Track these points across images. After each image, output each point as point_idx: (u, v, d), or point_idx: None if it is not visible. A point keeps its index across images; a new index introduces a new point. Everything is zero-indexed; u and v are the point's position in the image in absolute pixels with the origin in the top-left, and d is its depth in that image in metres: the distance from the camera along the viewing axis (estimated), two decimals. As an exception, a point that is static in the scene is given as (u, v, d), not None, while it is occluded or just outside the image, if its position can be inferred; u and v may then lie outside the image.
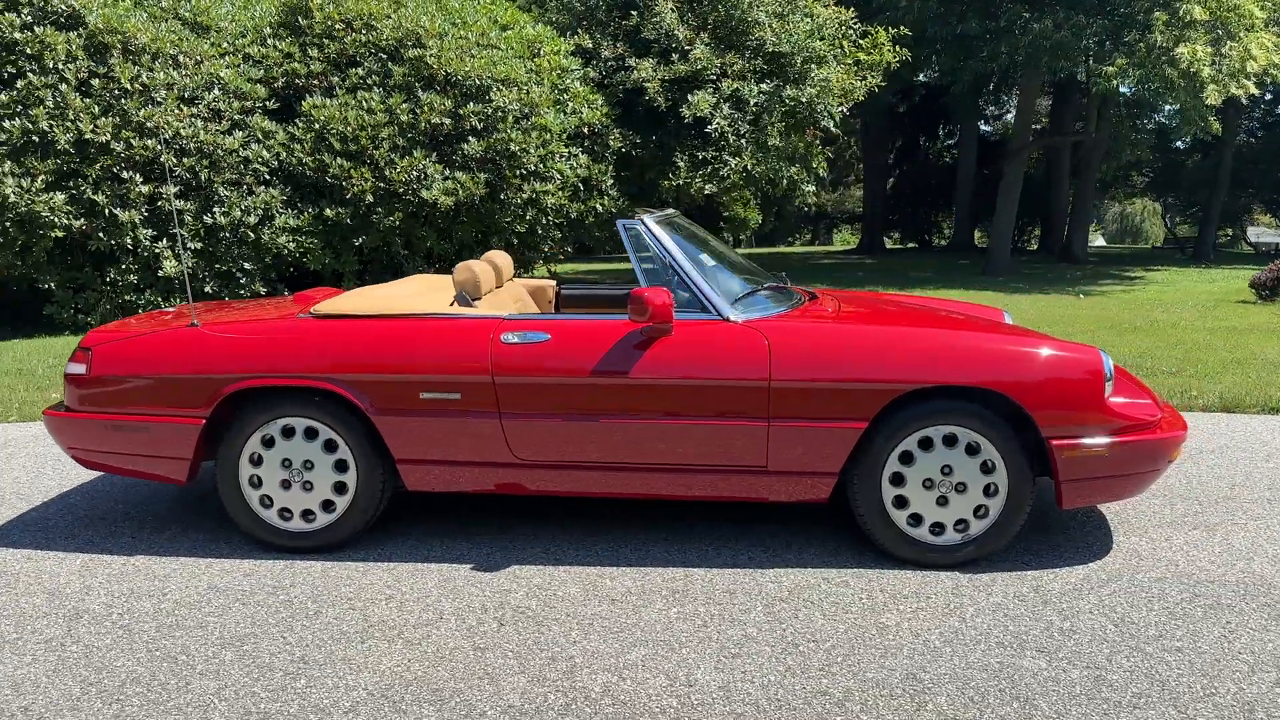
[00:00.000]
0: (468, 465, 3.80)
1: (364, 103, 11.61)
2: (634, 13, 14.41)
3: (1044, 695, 2.86)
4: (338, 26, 12.01)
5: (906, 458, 3.66)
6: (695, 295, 3.76)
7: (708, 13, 14.41)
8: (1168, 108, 20.51)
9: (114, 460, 3.94)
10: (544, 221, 12.91)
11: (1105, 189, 33.51)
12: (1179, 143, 30.67)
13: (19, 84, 10.29)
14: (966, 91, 21.48)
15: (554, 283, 5.07)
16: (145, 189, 10.70)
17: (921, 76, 24.35)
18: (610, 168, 13.72)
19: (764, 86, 13.93)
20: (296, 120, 11.64)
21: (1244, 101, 21.47)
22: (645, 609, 3.43)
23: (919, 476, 3.66)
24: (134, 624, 3.33)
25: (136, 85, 10.76)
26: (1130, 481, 3.67)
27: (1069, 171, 26.43)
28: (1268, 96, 29.47)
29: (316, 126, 11.48)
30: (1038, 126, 32.49)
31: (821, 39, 14.63)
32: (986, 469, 3.64)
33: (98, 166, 10.53)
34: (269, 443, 3.82)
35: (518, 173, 12.21)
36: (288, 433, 3.81)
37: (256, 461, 3.84)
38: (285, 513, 3.86)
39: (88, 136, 10.39)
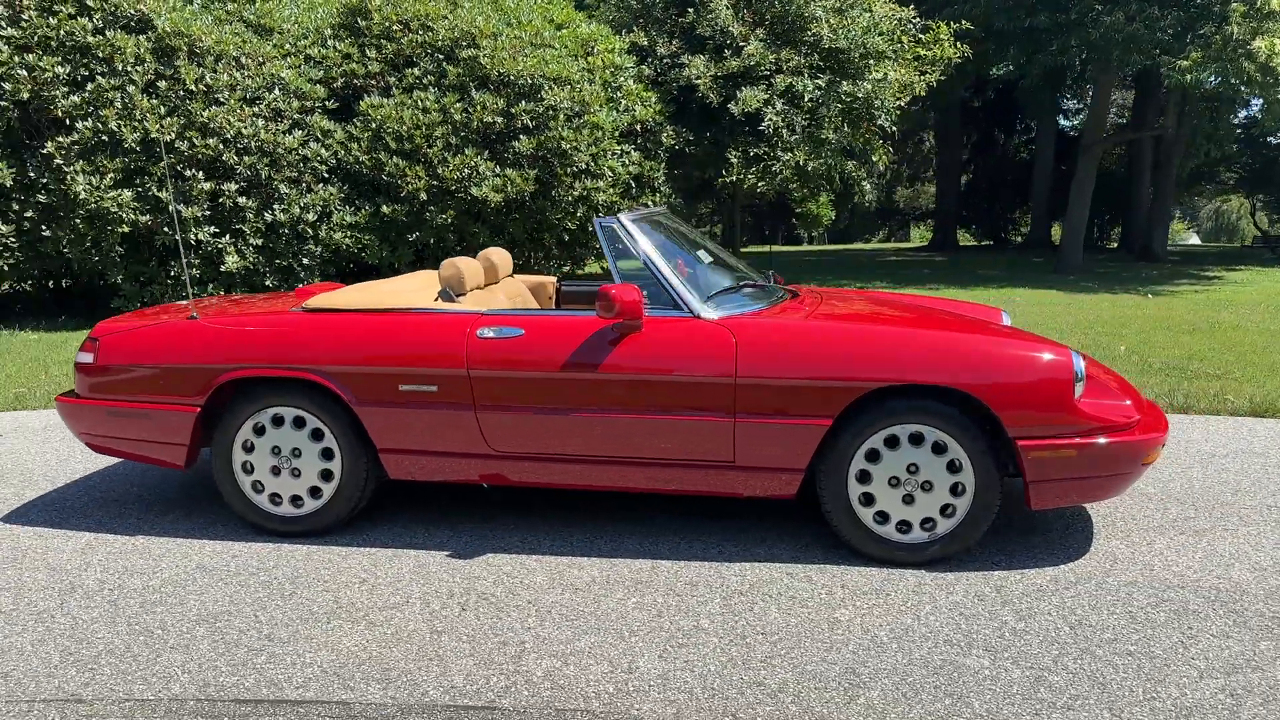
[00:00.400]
0: (447, 456, 3.93)
1: (419, 102, 11.87)
2: (690, 10, 14.45)
3: (978, 693, 2.88)
4: (395, 27, 12.29)
5: (873, 455, 3.68)
6: (668, 292, 3.82)
7: (764, 9, 14.39)
8: (1255, 102, 19.87)
9: (119, 445, 4.16)
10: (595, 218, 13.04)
11: (1191, 186, 32.50)
12: (1270, 138, 29.62)
13: (89, 86, 10.74)
14: (1039, 86, 21.04)
15: (554, 279, 5.18)
16: (207, 186, 11.08)
17: (995, 71, 23.94)
18: (663, 165, 13.79)
19: (819, 82, 13.86)
20: (354, 120, 11.95)
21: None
22: (605, 598, 3.52)
23: (885, 474, 3.68)
24: (121, 599, 3.53)
25: (200, 86, 11.16)
26: (1101, 483, 3.64)
27: (1150, 167, 25.71)
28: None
29: (373, 126, 11.78)
30: (1123, 120, 31.69)
31: (880, 35, 14.50)
32: (953, 468, 3.64)
33: (162, 165, 10.94)
34: (260, 431, 4.00)
35: (568, 170, 12.36)
36: (277, 421, 3.99)
37: (249, 448, 4.02)
38: (275, 498, 4.04)
39: (154, 136, 10.81)
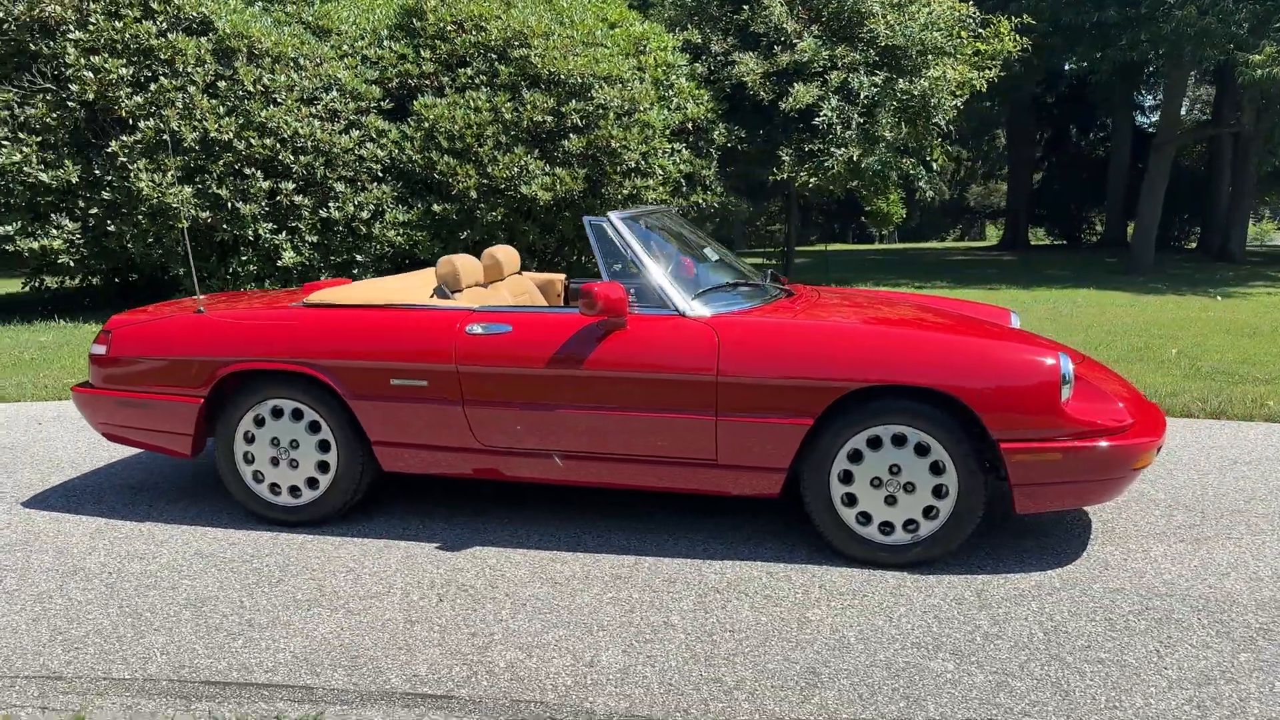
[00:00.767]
0: (437, 450, 4.00)
1: (471, 101, 12.02)
2: (745, 7, 14.40)
3: (935, 696, 2.86)
4: (449, 28, 12.45)
5: (855, 456, 3.66)
6: (655, 290, 3.84)
7: (821, 6, 14.28)
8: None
9: (129, 434, 4.31)
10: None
11: (1275, 185, 31.37)
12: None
13: (152, 87, 11.08)
14: (1112, 81, 20.52)
15: (563, 277, 5.22)
16: (265, 184, 11.36)
17: (1068, 66, 23.41)
18: (714, 163, 13.77)
19: (875, 79, 13.71)
20: (408, 119, 12.15)
21: None
22: (582, 593, 3.55)
23: (867, 475, 3.65)
24: (118, 583, 3.66)
25: (259, 87, 11.44)
26: (1090, 488, 3.57)
27: (1229, 165, 24.90)
28: None
29: (426, 125, 11.95)
30: (1205, 117, 30.74)
31: (939, 31, 14.29)
32: (937, 470, 3.60)
33: (221, 163, 11.24)
34: (260, 422, 4.12)
35: (618, 169, 12.42)
36: (277, 413, 4.10)
37: (249, 439, 4.14)
38: (275, 488, 4.15)
39: (213, 135, 11.11)
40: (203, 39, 11.41)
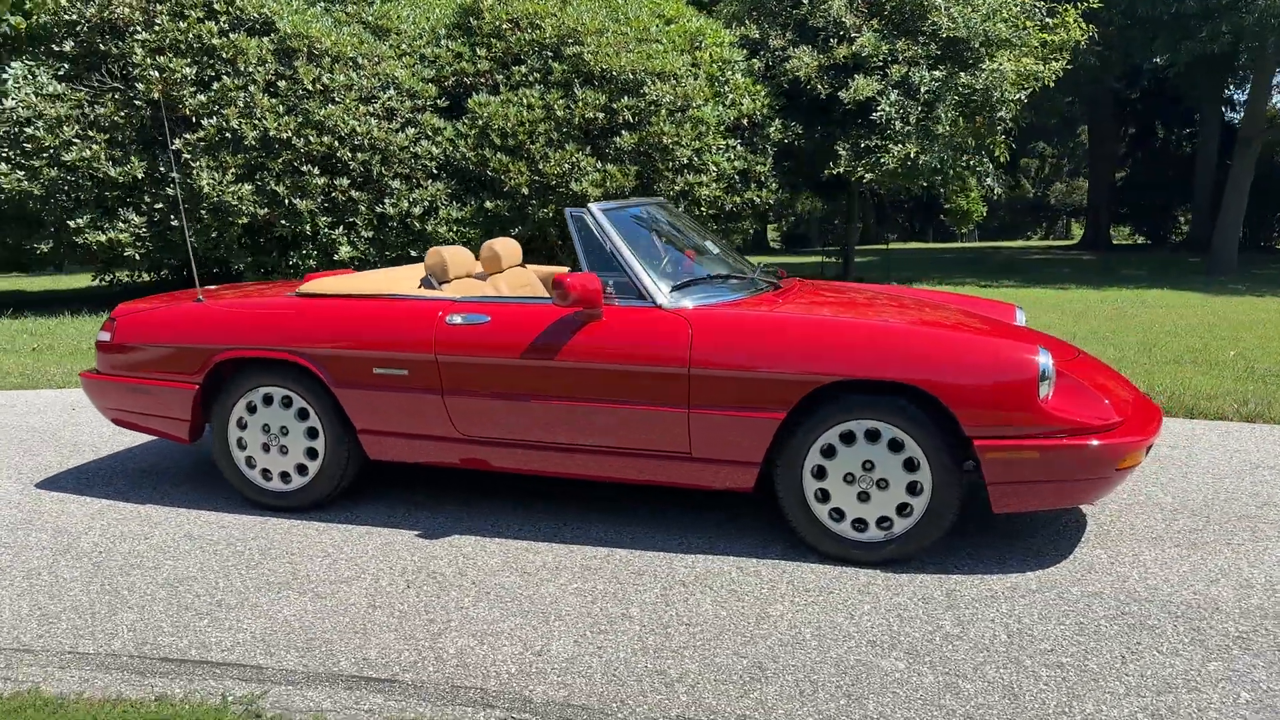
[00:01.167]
0: (419, 438, 4.05)
1: (524, 99, 12.11)
2: (804, 1, 14.25)
3: (878, 695, 2.80)
4: (505, 26, 12.57)
5: (829, 451, 3.60)
6: (632, 282, 3.83)
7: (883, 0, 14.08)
8: None
9: (132, 418, 4.45)
10: (698, 213, 13.03)
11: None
12: None
13: (215, 86, 11.40)
14: (1191, 75, 19.83)
15: (566, 270, 5.23)
16: (321, 181, 11.60)
17: (1147, 61, 22.68)
18: (769, 159, 13.67)
19: (936, 73, 13.46)
20: (463, 117, 12.29)
21: None
22: (548, 583, 3.56)
23: (840, 471, 3.59)
24: (105, 562, 3.78)
25: (318, 86, 11.69)
26: (1069, 488, 3.46)
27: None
28: None
29: (480, 123, 12.08)
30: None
31: (1003, 21, 13.97)
32: (911, 466, 3.53)
33: (280, 161, 11.51)
34: (252, 409, 4.21)
35: (669, 165, 12.40)
36: (268, 400, 4.19)
37: (243, 425, 4.24)
38: (266, 473, 4.25)
39: (272, 133, 11.38)
40: (264, 39, 11.70)
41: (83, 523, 4.19)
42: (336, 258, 11.96)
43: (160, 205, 11.55)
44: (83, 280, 17.21)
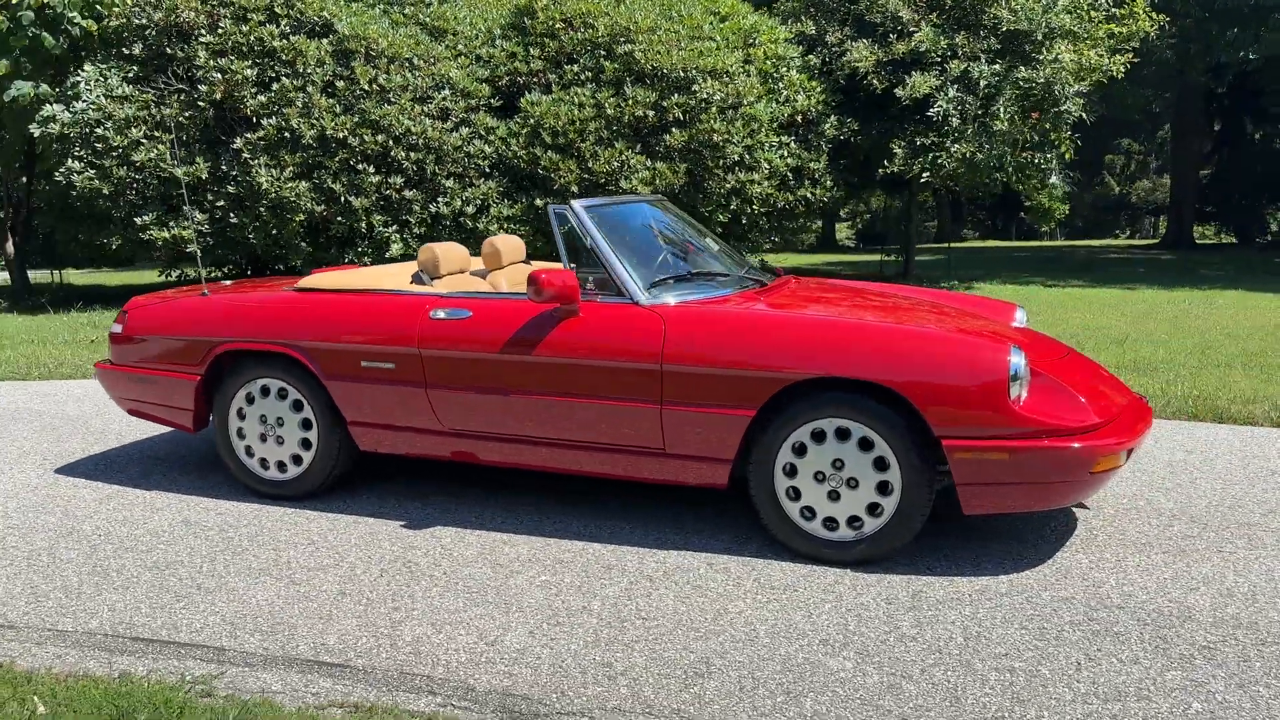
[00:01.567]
0: (406, 431, 4.13)
1: (575, 97, 12.18)
2: (861, -3, 14.11)
3: (817, 694, 2.79)
4: (559, 25, 12.65)
5: (800, 449, 3.58)
6: (611, 278, 3.86)
7: (943, -7, 13.85)
8: None
9: (143, 408, 4.62)
10: (749, 211, 12.98)
11: None
12: None
13: (274, 87, 11.69)
14: (1274, 66, 19.12)
15: (571, 266, 5.25)
16: (376, 179, 11.83)
17: (1247, 54, 21.93)
18: (824, 156, 13.55)
19: (996, 68, 13.19)
20: (515, 116, 12.41)
21: None
22: (517, 576, 3.61)
23: (810, 469, 3.57)
24: (102, 544, 3.93)
25: (374, 86, 11.91)
26: (1041, 490, 3.40)
27: None
28: None
29: (531, 122, 12.19)
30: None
31: (1069, 13, 13.63)
32: (881, 466, 3.50)
33: (336, 159, 11.76)
34: (251, 399, 4.34)
35: (720, 163, 12.36)
36: (265, 392, 4.32)
37: (242, 416, 4.37)
38: (264, 462, 4.38)
39: (329, 133, 11.64)
40: (323, 41, 11.96)
41: (90, 507, 4.36)
42: (388, 255, 12.16)
43: (221, 203, 11.89)
44: (150, 275, 17.79)
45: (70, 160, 11.73)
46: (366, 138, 11.73)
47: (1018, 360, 3.37)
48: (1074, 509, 4.20)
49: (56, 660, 3.06)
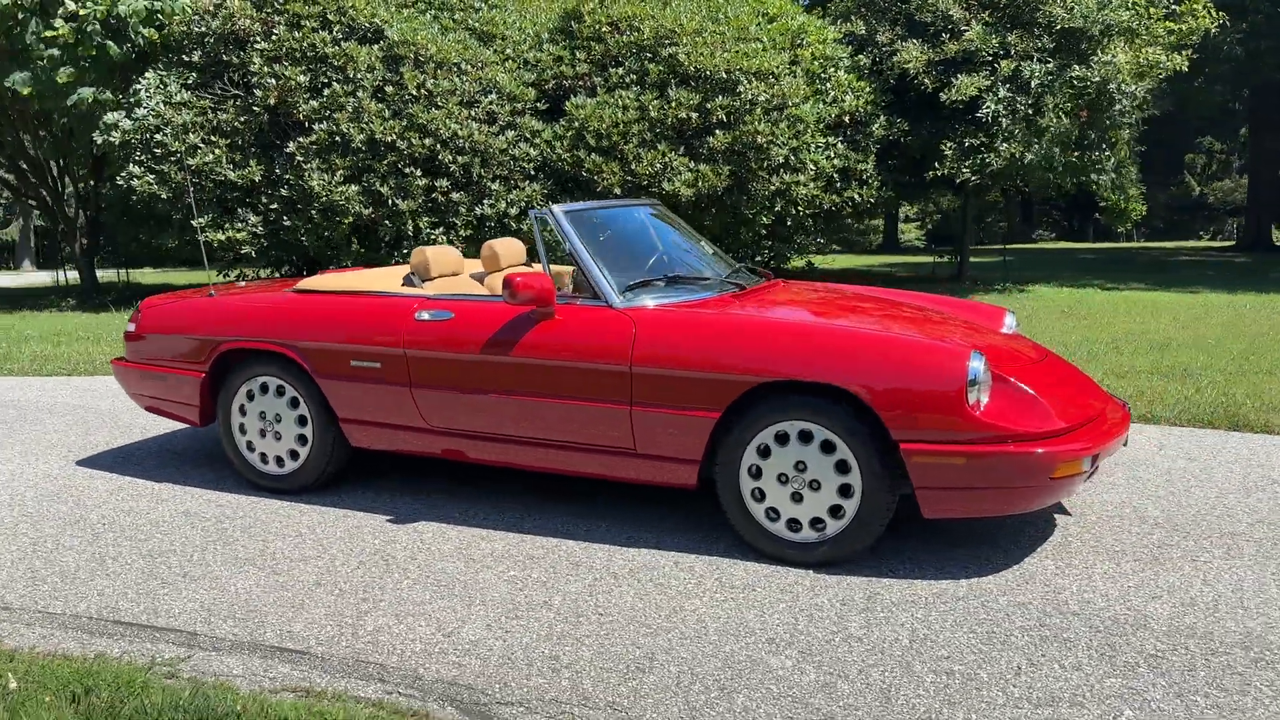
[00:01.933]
0: (393, 428, 4.27)
1: (619, 100, 12.29)
2: (913, -4, 14.01)
3: (749, 690, 2.84)
4: (605, 29, 12.77)
5: (764, 451, 3.63)
6: (588, 281, 3.95)
7: (996, -9, 13.69)
8: None
9: (155, 403, 4.84)
10: (794, 213, 12.96)
11: None
12: None
13: (326, 92, 12.01)
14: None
15: (572, 269, 5.35)
16: (423, 182, 12.07)
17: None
18: (872, 157, 13.47)
19: (1048, 66, 12.99)
20: (560, 119, 12.56)
21: None
22: (488, 571, 3.71)
23: (774, 471, 3.62)
24: (104, 533, 4.13)
25: (422, 91, 12.15)
26: (1000, 495, 3.40)
27: None
28: None
29: (576, 124, 12.32)
30: None
31: (1126, 9, 13.37)
32: (843, 469, 3.53)
33: (385, 163, 12.03)
34: (251, 396, 4.52)
35: (764, 165, 12.37)
36: (264, 389, 4.49)
37: (243, 412, 4.56)
38: (264, 457, 4.55)
39: (378, 137, 11.91)
40: (374, 47, 12.24)
41: (100, 497, 4.58)
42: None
43: (275, 206, 12.23)
44: (204, 277, 18.32)
45: (131, 165, 12.16)
46: (414, 141, 11.97)
47: (977, 365, 3.38)
48: (1056, 515, 4.18)
49: (41, 640, 3.23)
